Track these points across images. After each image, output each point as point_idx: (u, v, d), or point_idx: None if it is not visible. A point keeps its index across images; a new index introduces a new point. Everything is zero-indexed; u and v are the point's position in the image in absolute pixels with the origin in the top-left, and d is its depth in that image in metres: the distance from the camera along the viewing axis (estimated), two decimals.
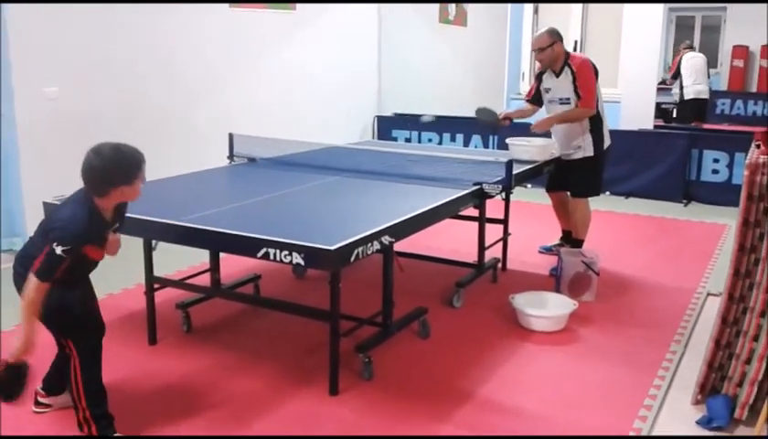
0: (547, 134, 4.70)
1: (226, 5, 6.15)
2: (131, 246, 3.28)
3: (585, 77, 4.38)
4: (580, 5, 9.99)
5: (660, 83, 9.26)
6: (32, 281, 2.32)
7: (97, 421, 2.55)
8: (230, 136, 4.53)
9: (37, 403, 2.79)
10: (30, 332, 2.34)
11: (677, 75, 10.04)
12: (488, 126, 4.83)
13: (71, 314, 2.53)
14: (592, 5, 9.98)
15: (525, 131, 4.84)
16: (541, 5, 10.32)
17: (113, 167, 2.37)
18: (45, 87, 4.80)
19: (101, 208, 2.44)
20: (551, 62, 4.49)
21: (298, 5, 6.91)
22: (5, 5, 4.56)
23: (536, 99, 4.75)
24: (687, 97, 9.89)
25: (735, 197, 2.77)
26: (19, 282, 2.47)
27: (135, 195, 2.50)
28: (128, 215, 2.91)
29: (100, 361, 2.59)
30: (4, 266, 4.58)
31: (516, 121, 4.86)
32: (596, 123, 4.50)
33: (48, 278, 2.33)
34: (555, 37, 4.46)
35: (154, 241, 3.35)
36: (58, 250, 2.30)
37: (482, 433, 2.72)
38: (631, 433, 2.70)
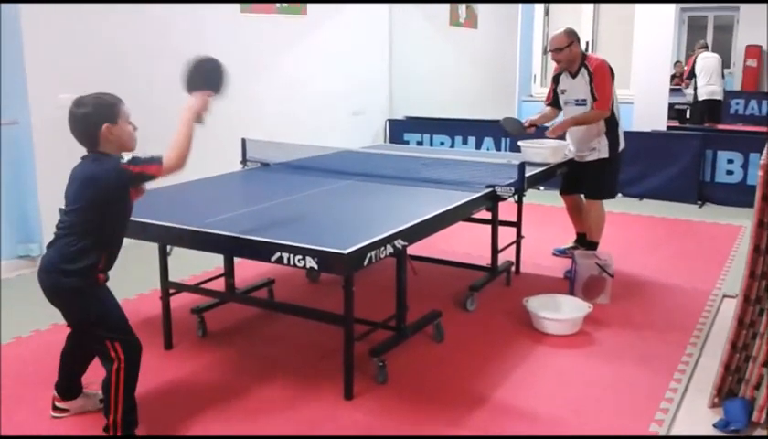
0: (561, 136, 4.68)
1: (237, 11, 6.18)
2: (146, 251, 3.32)
3: (602, 78, 4.37)
4: (591, 6, 9.96)
5: (675, 84, 9.23)
6: (167, 163, 2.49)
7: (127, 427, 2.57)
8: (243, 141, 4.55)
9: (55, 408, 2.81)
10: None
11: (691, 75, 10.00)
12: (515, 135, 4.83)
13: (119, 313, 2.58)
14: (603, 6, 9.94)
15: (537, 133, 4.83)
16: (552, 7, 10.29)
17: (93, 109, 2.48)
18: (59, 94, 4.83)
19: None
20: (568, 63, 4.48)
21: (309, 10, 6.93)
22: (22, 12, 4.60)
23: (555, 102, 4.73)
24: (700, 98, 9.84)
25: (750, 197, 2.75)
26: (65, 282, 2.46)
27: (128, 137, 2.55)
28: (143, 220, 2.95)
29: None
30: (8, 276, 4.63)
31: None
32: (612, 125, 4.49)
33: (158, 157, 2.48)
34: (573, 37, 4.44)
35: (168, 247, 3.37)
36: (127, 159, 2.44)
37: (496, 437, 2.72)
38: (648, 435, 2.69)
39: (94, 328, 2.53)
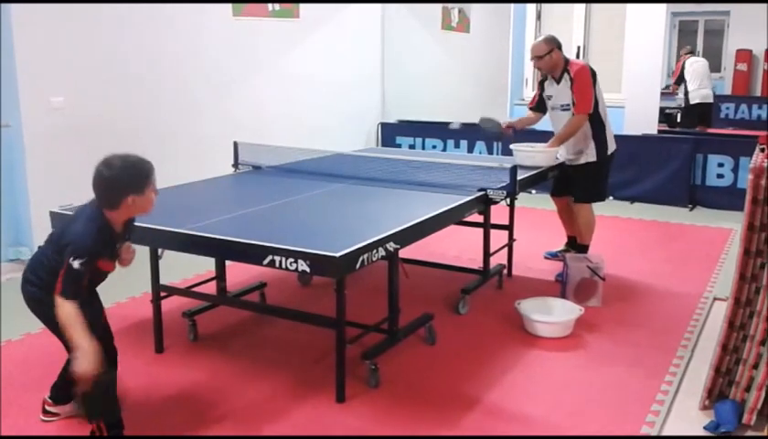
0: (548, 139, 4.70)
1: (230, 15, 6.18)
2: (137, 254, 3.30)
3: (581, 82, 4.39)
4: (582, 11, 10.01)
5: (664, 89, 9.27)
6: (62, 304, 2.31)
7: (110, 429, 2.56)
8: (235, 144, 4.54)
9: (45, 412, 2.80)
10: (87, 343, 2.27)
11: (680, 80, 10.05)
12: (492, 135, 4.85)
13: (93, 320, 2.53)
14: (594, 10, 10.00)
15: (529, 137, 4.85)
16: (544, 12, 10.34)
17: (124, 177, 2.39)
18: (51, 97, 4.82)
19: (111, 221, 2.46)
20: (550, 69, 4.52)
21: (302, 14, 6.94)
22: (13, 15, 4.58)
23: (539, 106, 4.76)
24: (692, 101, 9.89)
25: (740, 201, 2.76)
26: (29, 290, 2.50)
27: (148, 206, 2.50)
28: (134, 224, 2.93)
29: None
30: (7, 277, 4.61)
31: (521, 128, 4.87)
32: (598, 128, 4.51)
33: (74, 294, 2.32)
34: (553, 44, 4.47)
35: (160, 250, 3.36)
36: (76, 264, 2.31)
37: None
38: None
39: (59, 336, 2.49)
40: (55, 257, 2.42)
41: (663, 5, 7.33)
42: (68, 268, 2.32)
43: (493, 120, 4.85)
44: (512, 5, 9.24)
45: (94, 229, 2.39)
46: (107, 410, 2.55)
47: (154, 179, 2.48)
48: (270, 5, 6.58)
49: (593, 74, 4.44)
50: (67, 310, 2.30)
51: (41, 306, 2.49)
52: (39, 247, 2.56)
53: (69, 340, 2.32)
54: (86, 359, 2.26)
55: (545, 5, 10.08)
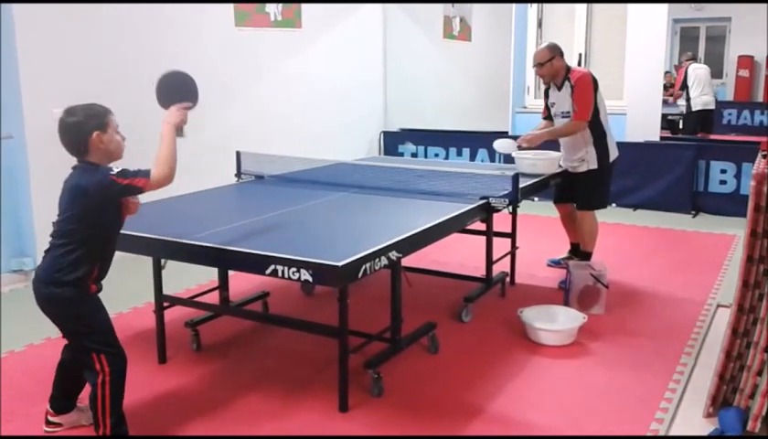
0: (555, 147, 4.71)
1: (232, 25, 6.21)
2: (140, 265, 3.31)
3: (581, 90, 4.40)
4: (584, 18, 10.03)
5: (668, 95, 9.27)
6: (155, 177, 2.50)
7: (115, 429, 2.56)
8: (238, 154, 4.56)
9: (48, 423, 2.80)
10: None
11: (683, 86, 10.05)
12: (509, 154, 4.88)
13: (108, 325, 2.58)
14: (596, 17, 10.02)
15: (544, 146, 4.82)
16: (545, 19, 10.36)
17: (84, 117, 2.49)
18: (54, 108, 4.83)
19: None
20: (552, 76, 4.54)
21: (304, 24, 6.96)
22: (16, 26, 4.61)
23: (550, 115, 4.77)
24: (694, 108, 9.89)
25: (743, 207, 2.76)
26: (56, 293, 2.47)
27: (117, 146, 2.55)
28: (137, 234, 2.94)
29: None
30: (10, 287, 4.62)
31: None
32: (599, 135, 4.51)
33: (146, 170, 2.49)
34: (554, 51, 4.49)
35: (162, 260, 3.37)
36: (116, 171, 2.45)
37: None
38: None
39: (81, 339, 2.53)
40: (70, 233, 2.45)
41: (664, 12, 7.33)
42: (120, 175, 2.44)
43: (507, 140, 4.86)
44: (513, 14, 9.25)
45: (95, 166, 2.49)
46: (116, 413, 2.56)
47: (115, 120, 2.56)
48: (272, 15, 6.61)
49: (595, 82, 4.45)
50: (165, 172, 2.54)
51: (71, 307, 2.50)
52: (50, 245, 2.52)
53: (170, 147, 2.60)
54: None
55: (546, 13, 10.10)
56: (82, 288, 2.49)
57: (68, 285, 2.46)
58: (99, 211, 2.48)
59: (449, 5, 9.15)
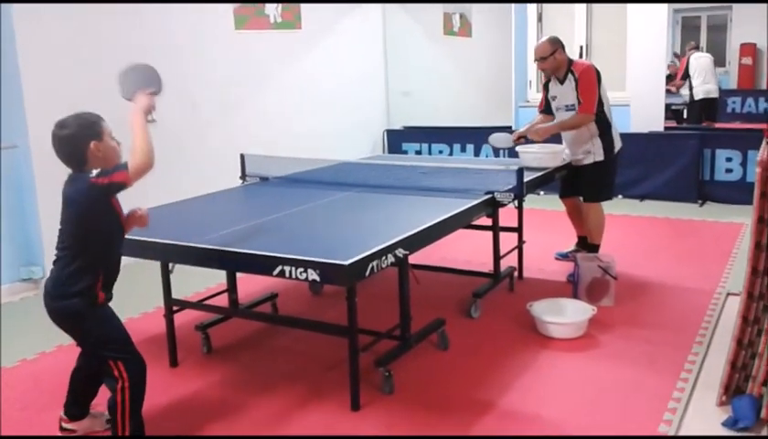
0: (557, 140, 4.70)
1: (232, 28, 6.22)
2: (148, 269, 3.32)
3: (586, 83, 4.39)
4: (584, 10, 10.00)
5: (668, 83, 9.24)
6: (133, 168, 2.39)
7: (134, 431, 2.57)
8: (242, 156, 4.56)
9: (63, 429, 2.81)
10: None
11: (685, 76, 10.02)
12: (506, 148, 4.87)
13: (122, 332, 2.58)
14: (596, 9, 9.99)
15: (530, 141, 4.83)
16: (545, 13, 10.34)
17: (78, 128, 2.47)
18: (57, 117, 4.85)
19: None
20: (554, 70, 4.52)
21: (304, 25, 6.97)
22: (18, 36, 4.62)
23: (548, 109, 4.75)
24: (696, 97, 9.86)
25: (750, 195, 2.75)
26: (66, 305, 2.48)
27: (113, 152, 2.53)
28: (145, 238, 2.95)
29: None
30: (11, 299, 4.64)
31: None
32: (604, 127, 4.50)
33: (124, 164, 2.41)
34: (557, 45, 4.47)
35: (170, 264, 3.38)
36: (94, 172, 2.41)
37: None
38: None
39: (96, 349, 2.54)
40: (76, 239, 2.46)
41: (665, 3, 7.31)
42: (99, 175, 2.39)
43: (502, 134, 4.86)
44: (513, 9, 9.25)
45: (85, 174, 2.45)
46: (135, 419, 2.57)
47: (108, 126, 2.54)
48: (272, 17, 6.61)
49: (598, 74, 4.44)
50: (143, 161, 2.41)
51: (81, 318, 2.50)
52: (56, 257, 2.54)
53: (144, 136, 2.45)
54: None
55: (546, 6, 10.08)
56: (90, 298, 2.49)
57: (75, 296, 2.46)
58: (91, 217, 2.46)
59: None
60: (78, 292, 2.46)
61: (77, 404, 2.80)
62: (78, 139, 2.46)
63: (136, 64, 2.86)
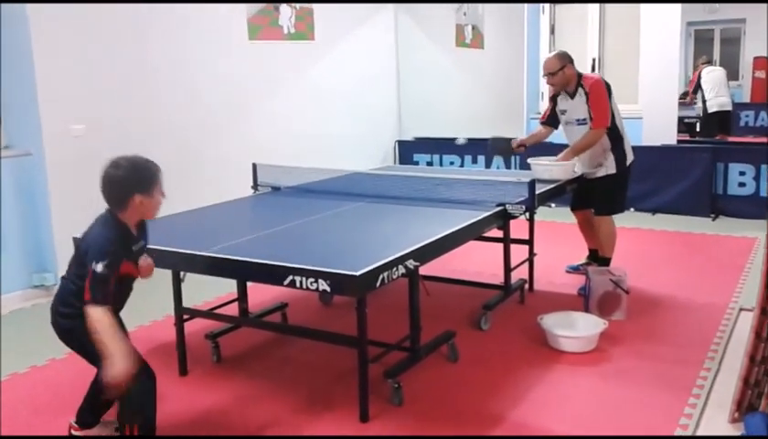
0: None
1: (246, 39, 6.26)
2: (159, 278, 3.33)
3: (597, 96, 4.38)
4: (596, 23, 10.01)
5: (681, 98, 9.21)
6: (92, 310, 2.30)
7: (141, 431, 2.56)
8: (254, 166, 4.58)
9: (72, 437, 2.81)
10: (119, 351, 2.26)
11: (697, 89, 9.99)
12: (504, 155, 4.88)
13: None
14: (609, 22, 9.99)
15: (546, 151, 4.83)
16: (558, 25, 10.36)
17: (131, 176, 2.43)
18: (71, 125, 4.90)
19: (125, 222, 2.50)
20: (564, 85, 4.52)
21: (317, 36, 7.00)
22: (33, 44, 4.67)
23: (551, 121, 4.76)
24: (710, 110, 9.82)
25: (764, 209, 2.74)
26: (61, 323, 2.52)
27: (155, 207, 2.53)
28: (156, 247, 2.96)
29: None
30: (23, 305, 4.67)
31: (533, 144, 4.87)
32: (617, 140, 4.49)
33: (104, 299, 2.32)
34: (565, 60, 4.47)
35: (181, 273, 3.39)
36: (100, 267, 2.32)
37: None
38: None
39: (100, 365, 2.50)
40: (77, 273, 2.45)
41: (678, 14, 7.29)
42: (93, 274, 2.32)
43: (502, 139, 4.85)
44: (525, 20, 9.27)
45: (110, 230, 2.43)
46: (141, 417, 2.56)
47: (161, 181, 2.51)
48: (285, 28, 6.65)
49: (608, 87, 4.43)
50: (97, 316, 2.30)
51: (76, 336, 2.50)
52: (62, 277, 2.57)
53: (99, 348, 2.28)
54: (118, 364, 2.24)
55: (559, 18, 10.10)
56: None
57: (71, 317, 2.47)
58: None
59: (461, 12, 9.18)
60: (74, 314, 2.43)
61: (92, 412, 2.80)
62: (126, 187, 2.43)
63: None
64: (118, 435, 2.63)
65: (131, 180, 2.43)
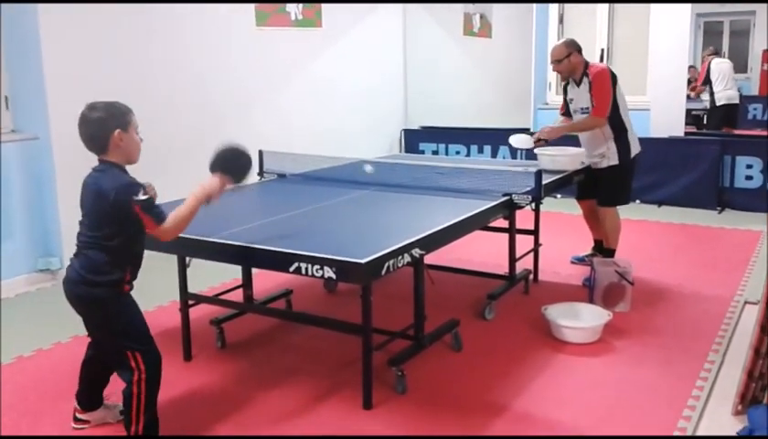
0: (576, 143, 4.68)
1: (253, 25, 6.24)
2: (165, 263, 3.34)
3: (600, 85, 4.37)
4: (606, 13, 9.95)
5: (690, 90, 9.15)
6: (164, 229, 2.50)
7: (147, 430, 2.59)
8: (260, 153, 4.58)
9: (76, 420, 2.83)
10: (200, 192, 2.65)
11: (706, 81, 9.93)
12: (524, 149, 4.88)
13: (143, 324, 2.61)
14: (618, 13, 9.93)
15: (556, 141, 4.81)
16: (566, 15, 10.30)
17: (107, 114, 2.51)
18: (78, 108, 4.89)
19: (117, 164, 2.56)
20: (570, 73, 4.51)
21: (324, 23, 6.98)
22: (41, 28, 4.66)
23: (569, 111, 4.74)
24: (718, 103, 9.76)
25: None
26: (91, 293, 2.50)
27: (135, 146, 2.57)
28: None
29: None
30: (29, 289, 4.69)
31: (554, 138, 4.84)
32: (619, 131, 4.47)
33: (162, 214, 2.49)
34: (572, 47, 4.46)
35: (187, 258, 3.39)
36: (141, 195, 2.43)
37: None
38: None
39: (116, 338, 2.55)
40: (108, 235, 2.48)
41: (687, 6, 7.24)
42: (141, 205, 2.43)
43: (523, 135, 4.84)
44: (534, 10, 9.21)
45: (117, 171, 2.51)
46: (150, 412, 2.59)
47: (135, 121, 2.58)
48: (293, 15, 6.63)
49: (613, 77, 4.41)
50: (168, 224, 2.51)
51: (105, 305, 2.52)
52: (82, 244, 2.53)
53: (194, 210, 2.59)
54: (209, 188, 2.66)
55: (567, 8, 10.04)
56: (116, 289, 2.53)
57: (102, 286, 2.49)
58: (119, 219, 2.46)
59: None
60: (106, 282, 2.49)
61: (89, 394, 2.82)
62: (104, 123, 2.50)
63: (244, 152, 2.90)
64: (122, 418, 2.64)
65: (107, 117, 2.51)
